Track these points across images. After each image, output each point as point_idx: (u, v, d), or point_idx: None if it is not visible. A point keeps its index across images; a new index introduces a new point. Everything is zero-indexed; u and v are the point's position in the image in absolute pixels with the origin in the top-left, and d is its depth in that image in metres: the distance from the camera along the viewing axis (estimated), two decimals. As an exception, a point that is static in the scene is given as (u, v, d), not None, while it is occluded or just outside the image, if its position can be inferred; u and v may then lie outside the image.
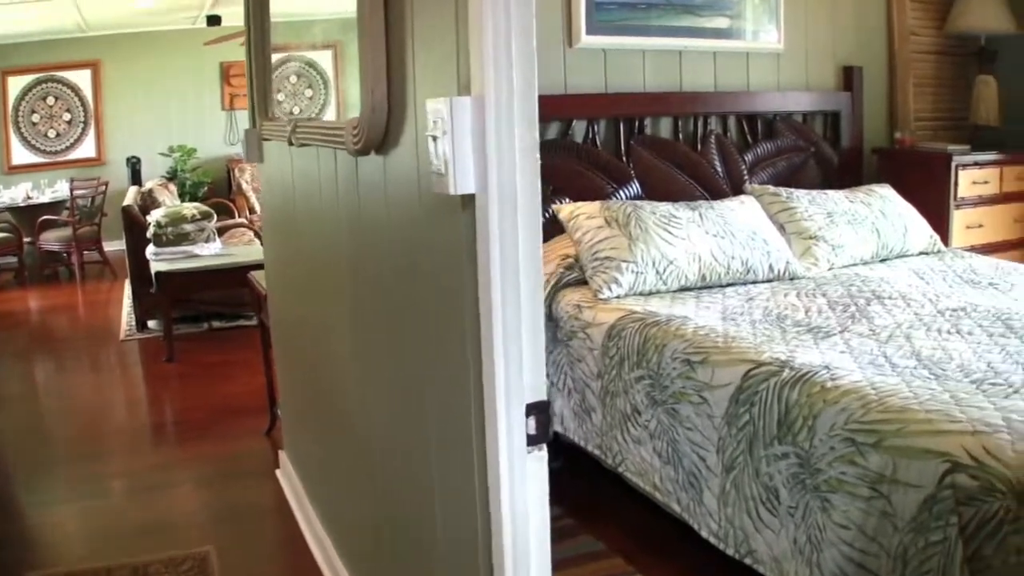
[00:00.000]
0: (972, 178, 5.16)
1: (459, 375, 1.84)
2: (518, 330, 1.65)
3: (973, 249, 5.08)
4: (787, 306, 3.69)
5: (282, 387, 4.34)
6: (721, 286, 4.07)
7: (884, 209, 4.70)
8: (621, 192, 4.61)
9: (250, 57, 3.72)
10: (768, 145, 5.11)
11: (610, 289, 3.85)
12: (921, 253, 4.75)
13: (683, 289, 4.00)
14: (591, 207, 4.20)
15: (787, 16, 5.13)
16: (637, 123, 4.74)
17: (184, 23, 11.52)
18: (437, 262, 1.92)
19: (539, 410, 1.67)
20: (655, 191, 4.65)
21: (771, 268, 4.15)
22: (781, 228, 4.47)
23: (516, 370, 1.65)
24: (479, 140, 1.62)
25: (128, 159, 12.25)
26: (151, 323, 7.54)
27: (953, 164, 5.08)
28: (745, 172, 4.97)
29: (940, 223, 5.00)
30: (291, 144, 3.06)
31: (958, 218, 5.15)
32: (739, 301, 3.81)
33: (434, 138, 1.67)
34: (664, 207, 4.21)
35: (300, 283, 3.53)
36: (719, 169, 4.90)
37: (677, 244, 4.00)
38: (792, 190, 4.74)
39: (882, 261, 4.60)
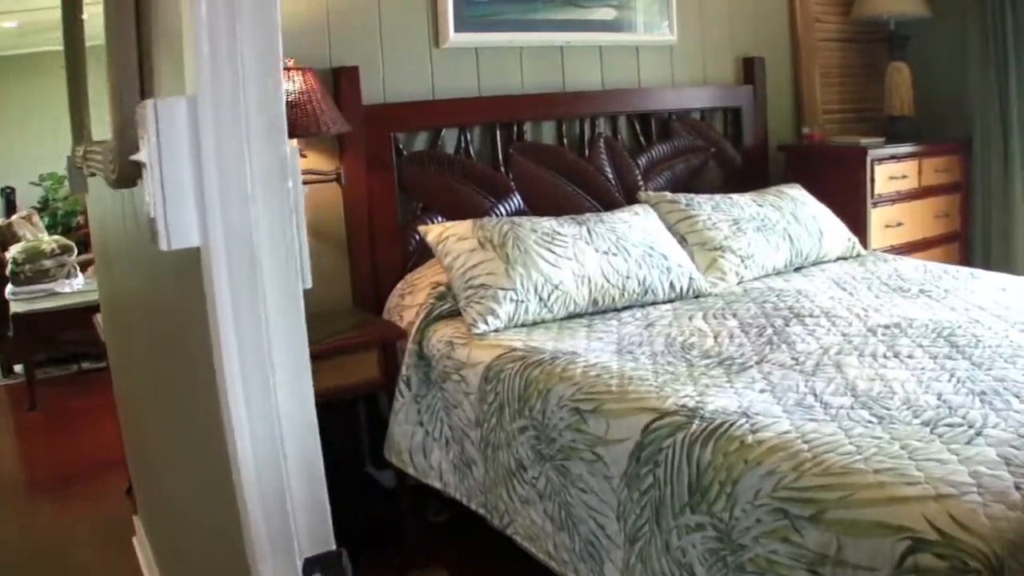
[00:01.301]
0: (889, 173, 4.90)
1: (227, 508, 1.28)
2: (276, 450, 1.07)
3: (894, 249, 4.85)
4: (693, 331, 3.28)
5: (126, 443, 3.88)
6: (616, 310, 3.65)
7: (796, 212, 4.38)
8: (501, 207, 4.18)
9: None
10: (664, 147, 4.77)
11: (486, 322, 3.36)
12: (840, 259, 4.45)
13: (572, 316, 3.57)
14: (462, 227, 3.72)
15: (680, 4, 4.83)
16: (516, 129, 4.33)
17: (55, 44, 10.93)
18: (186, 338, 1.37)
19: (325, 566, 1.10)
20: (540, 204, 4.26)
21: (672, 286, 3.74)
22: (682, 239, 4.09)
23: (278, 508, 1.09)
24: (198, 164, 1.06)
25: (3, 190, 11.59)
26: (18, 367, 7.05)
27: (868, 159, 4.80)
28: (639, 177, 4.62)
29: (857, 223, 4.72)
30: (83, 172, 2.55)
31: (876, 217, 4.86)
32: (637, 328, 3.39)
33: (142, 165, 1.10)
34: (546, 223, 3.78)
35: (119, 333, 3.07)
36: (610, 176, 4.53)
37: (562, 265, 3.55)
38: (692, 196, 4.39)
39: (797, 270, 4.28)
